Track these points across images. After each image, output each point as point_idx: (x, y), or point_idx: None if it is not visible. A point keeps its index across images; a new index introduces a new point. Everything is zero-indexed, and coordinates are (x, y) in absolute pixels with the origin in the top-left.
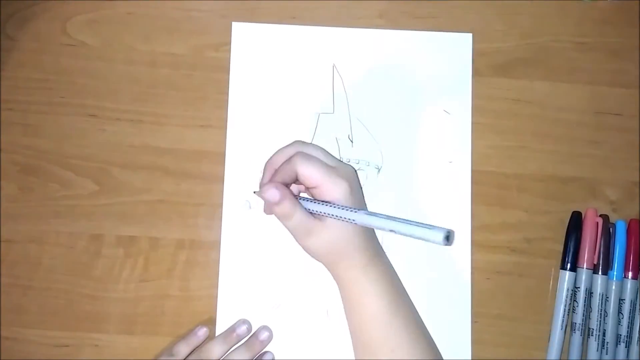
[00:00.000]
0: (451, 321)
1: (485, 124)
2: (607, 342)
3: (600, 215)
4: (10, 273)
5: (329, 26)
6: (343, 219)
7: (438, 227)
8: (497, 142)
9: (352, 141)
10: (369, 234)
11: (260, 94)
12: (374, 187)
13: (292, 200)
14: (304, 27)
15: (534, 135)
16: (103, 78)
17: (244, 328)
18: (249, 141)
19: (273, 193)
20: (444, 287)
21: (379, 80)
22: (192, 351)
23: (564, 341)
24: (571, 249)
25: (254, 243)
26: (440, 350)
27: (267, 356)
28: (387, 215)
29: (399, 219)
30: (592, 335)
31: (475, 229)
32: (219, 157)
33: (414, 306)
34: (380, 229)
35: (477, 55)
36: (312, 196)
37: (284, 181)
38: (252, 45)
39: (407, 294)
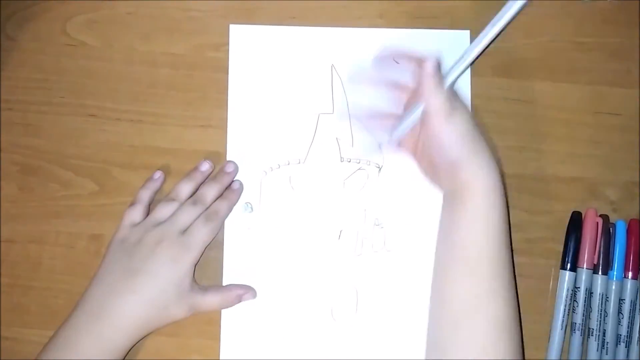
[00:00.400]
0: None
1: (485, 124)
2: (607, 342)
3: (600, 215)
4: (10, 273)
5: (327, 26)
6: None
7: None
8: (497, 142)
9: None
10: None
11: (260, 95)
12: (375, 187)
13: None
14: (301, 28)
15: (534, 135)
16: (103, 78)
17: (206, 165)
18: (249, 143)
19: (433, 62)
20: None
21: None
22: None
23: (564, 341)
24: (571, 249)
25: (256, 244)
26: None
27: (235, 185)
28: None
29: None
30: (592, 335)
31: None
32: (219, 157)
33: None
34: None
35: None
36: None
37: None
38: (250, 47)
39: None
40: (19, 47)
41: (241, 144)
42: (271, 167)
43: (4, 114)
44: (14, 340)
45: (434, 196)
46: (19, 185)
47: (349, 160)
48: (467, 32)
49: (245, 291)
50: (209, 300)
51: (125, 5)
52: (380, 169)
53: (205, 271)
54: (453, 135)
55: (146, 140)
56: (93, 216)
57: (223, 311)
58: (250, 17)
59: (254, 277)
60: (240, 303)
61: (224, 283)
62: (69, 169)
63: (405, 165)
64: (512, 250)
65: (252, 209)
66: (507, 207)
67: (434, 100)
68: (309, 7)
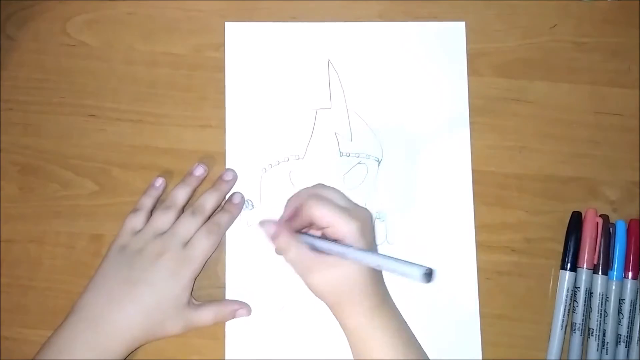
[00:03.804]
0: (459, 322)
1: (485, 124)
2: (607, 342)
3: (600, 215)
4: (10, 273)
5: (321, 22)
6: (334, 252)
7: (418, 265)
8: (497, 142)
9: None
10: (377, 279)
11: (257, 93)
12: (375, 180)
13: (289, 235)
14: (296, 24)
15: (534, 135)
16: (103, 78)
17: (201, 169)
18: (248, 141)
19: (269, 227)
20: (450, 287)
21: (374, 73)
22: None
23: (564, 341)
24: (571, 249)
25: (258, 242)
26: (450, 351)
27: (236, 198)
28: (374, 252)
29: (384, 255)
30: (592, 335)
31: (475, 228)
32: (219, 157)
33: (424, 353)
34: (367, 264)
35: (477, 55)
36: (326, 236)
37: (301, 224)
38: (246, 44)
39: (416, 341)
40: (19, 47)
41: (240, 142)
42: (270, 164)
43: (4, 114)
44: (14, 340)
45: (434, 188)
46: (19, 185)
47: (348, 154)
48: (462, 24)
49: (240, 307)
50: (203, 317)
51: (125, 5)
52: (379, 163)
53: (207, 270)
54: (314, 286)
55: (146, 140)
56: (93, 216)
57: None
58: (249, 17)
59: (256, 274)
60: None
61: (227, 281)
62: (69, 169)
63: (404, 158)
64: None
65: (252, 206)
66: (398, 324)
67: (288, 256)
68: (308, 7)
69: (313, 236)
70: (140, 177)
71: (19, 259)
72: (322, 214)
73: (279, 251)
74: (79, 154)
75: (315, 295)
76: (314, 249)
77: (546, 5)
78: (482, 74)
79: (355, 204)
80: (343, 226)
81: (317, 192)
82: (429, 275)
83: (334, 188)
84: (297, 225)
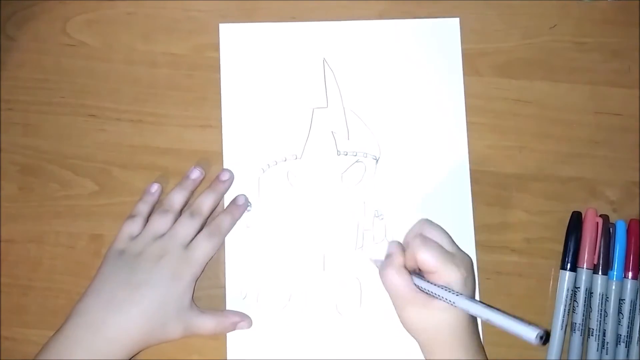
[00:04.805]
0: None
1: (484, 124)
2: (607, 342)
3: (600, 215)
4: (10, 273)
5: (316, 20)
6: (444, 299)
7: (533, 325)
8: (497, 142)
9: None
10: (472, 329)
11: (253, 93)
12: (373, 179)
13: (396, 266)
14: (291, 24)
15: (534, 135)
16: (103, 78)
17: (197, 172)
18: (245, 141)
19: (391, 246)
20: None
21: (370, 71)
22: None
23: (564, 341)
24: (571, 249)
25: (257, 243)
26: None
27: (240, 200)
28: (486, 304)
29: (497, 309)
30: (592, 335)
31: (475, 228)
32: (219, 157)
33: None
34: (477, 315)
35: (477, 55)
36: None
37: (408, 266)
38: (240, 45)
39: None
40: (19, 47)
41: (237, 143)
42: (268, 164)
43: (4, 114)
44: (14, 340)
45: (432, 185)
46: (19, 185)
47: (345, 153)
48: (456, 20)
49: (241, 319)
50: (205, 324)
51: (125, 5)
52: (377, 161)
53: (207, 270)
54: (409, 321)
55: (146, 140)
56: (93, 216)
57: (228, 311)
58: (249, 17)
59: (257, 275)
60: (242, 302)
61: (227, 284)
62: (69, 169)
63: (402, 156)
64: None
65: (251, 207)
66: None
67: (393, 284)
68: (308, 7)
69: (423, 278)
70: (140, 177)
71: (19, 259)
72: (427, 259)
73: (382, 280)
74: (78, 154)
75: (406, 329)
76: (421, 289)
77: (546, 5)
78: (482, 74)
79: (459, 249)
80: (449, 275)
81: (423, 233)
82: (541, 338)
83: (439, 227)
84: (404, 262)
